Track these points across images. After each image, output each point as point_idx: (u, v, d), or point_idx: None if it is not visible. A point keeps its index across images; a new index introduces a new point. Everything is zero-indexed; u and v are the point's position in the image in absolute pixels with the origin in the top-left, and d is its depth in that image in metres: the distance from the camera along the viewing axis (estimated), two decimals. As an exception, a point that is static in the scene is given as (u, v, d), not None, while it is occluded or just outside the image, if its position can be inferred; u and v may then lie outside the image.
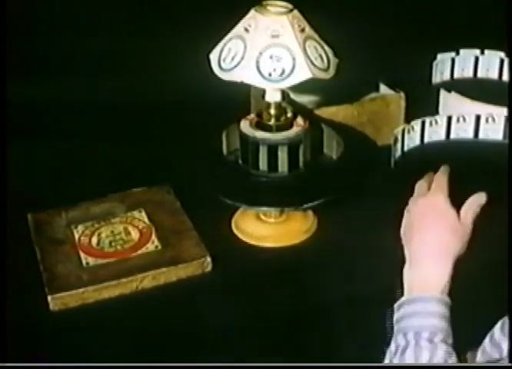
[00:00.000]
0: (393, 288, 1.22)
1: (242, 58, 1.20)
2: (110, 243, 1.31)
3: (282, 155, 1.27)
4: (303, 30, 1.20)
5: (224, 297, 1.24)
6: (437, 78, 1.78)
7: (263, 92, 1.27)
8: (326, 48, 1.24)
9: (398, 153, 1.53)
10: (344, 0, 1.92)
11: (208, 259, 1.27)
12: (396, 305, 1.02)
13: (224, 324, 1.18)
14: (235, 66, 1.21)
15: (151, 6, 1.93)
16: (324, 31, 1.24)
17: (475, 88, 1.72)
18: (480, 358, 0.91)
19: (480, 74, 1.78)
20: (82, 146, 1.59)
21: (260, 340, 1.15)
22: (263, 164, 1.28)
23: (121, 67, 1.78)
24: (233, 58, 1.21)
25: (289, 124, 1.29)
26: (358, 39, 1.73)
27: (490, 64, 1.78)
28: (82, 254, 1.28)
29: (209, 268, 1.27)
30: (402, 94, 1.55)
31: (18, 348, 1.11)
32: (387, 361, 0.97)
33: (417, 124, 1.56)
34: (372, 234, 1.34)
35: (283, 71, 1.19)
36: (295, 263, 1.30)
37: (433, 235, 1.05)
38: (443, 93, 1.63)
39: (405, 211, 1.12)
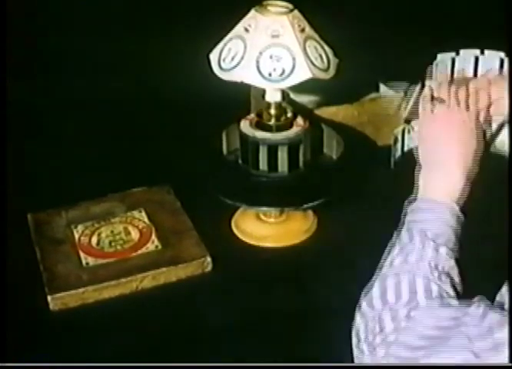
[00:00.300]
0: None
1: (242, 58, 1.20)
2: (110, 243, 1.31)
3: (282, 155, 1.27)
4: (303, 30, 1.20)
5: (224, 297, 1.24)
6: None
7: (263, 92, 1.27)
8: (326, 48, 1.24)
9: (398, 153, 1.53)
10: (344, 0, 1.92)
11: (208, 259, 1.27)
12: (407, 201, 1.04)
13: (224, 324, 1.18)
14: (235, 66, 1.21)
15: (151, 6, 1.94)
16: (324, 31, 1.24)
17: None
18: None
19: (480, 74, 1.77)
20: (82, 146, 1.59)
21: (260, 340, 1.15)
22: (263, 164, 1.28)
23: (121, 67, 1.78)
24: (233, 58, 1.21)
25: (289, 124, 1.29)
26: (358, 39, 1.73)
27: (490, 64, 1.77)
28: (82, 254, 1.28)
29: (209, 268, 1.27)
30: (402, 94, 1.55)
31: (18, 348, 1.11)
32: (386, 254, 0.99)
33: (417, 124, 1.56)
34: (372, 234, 1.34)
35: (283, 71, 1.19)
36: (295, 263, 1.30)
37: (450, 146, 1.07)
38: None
39: (422, 118, 1.15)
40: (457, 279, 0.96)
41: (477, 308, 0.84)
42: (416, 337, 0.85)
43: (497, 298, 0.95)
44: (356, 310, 0.94)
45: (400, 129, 1.54)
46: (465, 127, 1.09)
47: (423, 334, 0.85)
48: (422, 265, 0.94)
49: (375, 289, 0.93)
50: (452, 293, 0.92)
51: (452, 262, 0.96)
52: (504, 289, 0.94)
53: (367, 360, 0.89)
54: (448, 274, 0.94)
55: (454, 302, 0.89)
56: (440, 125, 1.11)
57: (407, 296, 0.91)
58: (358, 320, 0.93)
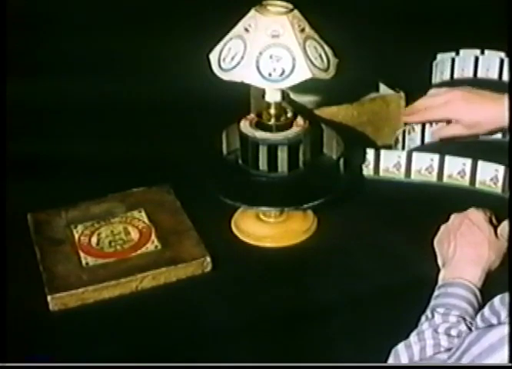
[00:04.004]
0: (393, 288, 1.22)
1: (242, 57, 1.20)
2: (109, 243, 1.31)
3: (282, 155, 1.27)
4: (303, 30, 1.20)
5: (224, 297, 1.24)
6: (436, 78, 1.78)
7: (263, 92, 1.27)
8: (326, 48, 1.24)
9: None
10: (344, 0, 1.92)
11: (208, 259, 1.27)
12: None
13: (224, 324, 1.18)
14: (235, 66, 1.21)
15: (151, 6, 1.94)
16: (324, 31, 1.24)
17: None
18: (480, 324, 0.94)
19: (480, 74, 1.78)
20: (82, 146, 1.59)
21: (260, 340, 1.15)
22: (263, 164, 1.28)
23: (121, 67, 1.78)
24: (233, 58, 1.21)
25: (289, 124, 1.29)
26: (358, 39, 1.73)
27: (490, 64, 1.78)
28: (82, 254, 1.28)
29: (209, 268, 1.27)
30: (402, 94, 1.55)
31: (18, 348, 1.11)
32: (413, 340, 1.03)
33: (417, 124, 1.56)
34: (372, 234, 1.34)
35: (283, 71, 1.19)
36: (295, 263, 1.30)
37: (468, 245, 1.14)
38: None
39: (443, 226, 1.21)
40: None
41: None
42: None
43: (486, 308, 0.97)
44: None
45: (400, 130, 1.54)
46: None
47: None
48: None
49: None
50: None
51: (461, 325, 1.02)
52: (490, 305, 0.96)
53: None
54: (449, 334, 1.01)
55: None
56: (462, 226, 1.18)
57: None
58: None
